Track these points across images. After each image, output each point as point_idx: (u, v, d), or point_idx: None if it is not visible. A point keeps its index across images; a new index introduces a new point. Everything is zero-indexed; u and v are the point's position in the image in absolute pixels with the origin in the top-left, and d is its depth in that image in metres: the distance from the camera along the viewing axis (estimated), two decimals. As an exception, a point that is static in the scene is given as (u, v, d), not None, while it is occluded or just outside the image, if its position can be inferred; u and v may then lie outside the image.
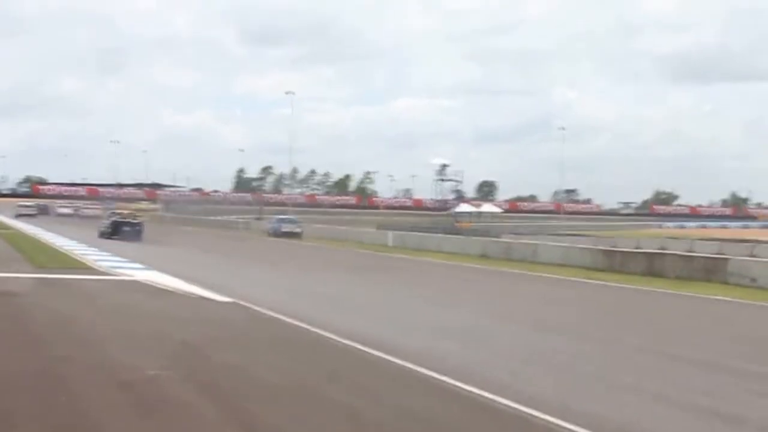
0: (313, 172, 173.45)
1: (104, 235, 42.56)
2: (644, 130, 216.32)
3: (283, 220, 59.55)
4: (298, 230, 56.13)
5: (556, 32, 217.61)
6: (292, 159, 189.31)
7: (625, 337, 14.31)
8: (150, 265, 25.01)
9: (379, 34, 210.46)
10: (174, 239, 46.38)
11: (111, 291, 18.76)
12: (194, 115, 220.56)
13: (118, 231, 42.08)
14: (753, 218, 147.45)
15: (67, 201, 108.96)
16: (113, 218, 44.51)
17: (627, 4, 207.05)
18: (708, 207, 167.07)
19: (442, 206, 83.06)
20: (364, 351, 11.74)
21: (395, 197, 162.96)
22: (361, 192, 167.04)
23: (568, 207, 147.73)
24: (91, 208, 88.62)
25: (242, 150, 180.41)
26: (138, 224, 43.50)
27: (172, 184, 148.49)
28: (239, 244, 46.78)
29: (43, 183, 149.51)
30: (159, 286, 19.62)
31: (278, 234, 55.21)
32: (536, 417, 8.25)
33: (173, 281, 20.50)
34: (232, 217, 79.40)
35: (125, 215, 45.23)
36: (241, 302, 16.87)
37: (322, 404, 8.60)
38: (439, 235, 48.12)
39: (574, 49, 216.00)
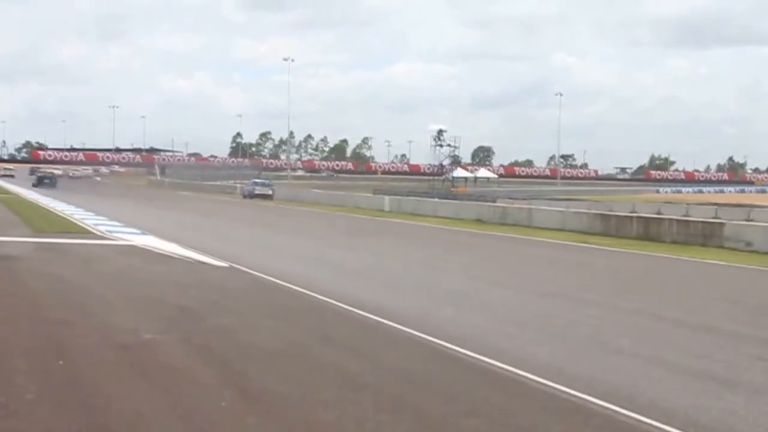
0: (309, 137, 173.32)
1: (34, 185, 66.78)
2: (641, 96, 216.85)
3: (256, 183, 64.74)
4: (269, 192, 61.45)
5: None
6: (290, 124, 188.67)
7: (621, 301, 14.35)
8: (146, 230, 25.00)
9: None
10: (170, 203, 46.39)
11: (108, 255, 18.74)
12: (193, 80, 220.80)
13: (40, 183, 68.12)
14: (750, 183, 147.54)
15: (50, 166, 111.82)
16: (38, 174, 74.02)
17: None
18: (705, 173, 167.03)
19: (439, 171, 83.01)
20: (361, 314, 11.77)
21: (392, 162, 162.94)
22: (359, 157, 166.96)
23: (564, 172, 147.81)
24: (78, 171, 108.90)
25: (240, 115, 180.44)
26: (53, 178, 71.59)
27: (169, 149, 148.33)
28: (238, 210, 46.75)
29: (43, 148, 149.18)
30: (156, 250, 19.63)
31: (252, 195, 60.81)
32: (533, 380, 8.28)
33: (170, 246, 20.50)
34: (230, 182, 79.47)
35: (46, 173, 75.09)
36: (239, 266, 16.88)
37: (317, 367, 8.62)
38: (435, 199, 48.13)
39: (573, 15, 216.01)
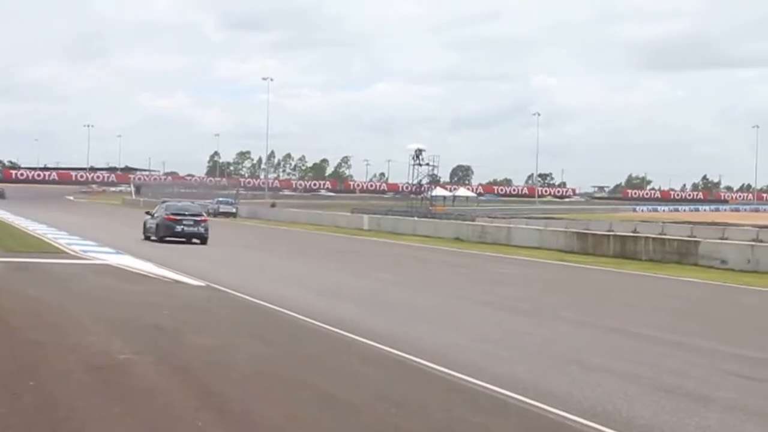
0: (289, 156, 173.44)
1: None
2: (619, 117, 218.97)
3: (221, 202, 68.26)
4: (233, 210, 65.13)
5: (535, 21, 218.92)
6: (270, 144, 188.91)
7: (597, 319, 14.39)
8: (121, 249, 24.85)
9: (359, 21, 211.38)
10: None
11: (83, 275, 18.60)
12: (172, 100, 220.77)
13: None
14: (724, 202, 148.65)
15: None
16: None
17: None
18: (680, 192, 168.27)
19: (417, 190, 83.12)
20: (340, 333, 11.72)
21: (371, 181, 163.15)
22: (337, 176, 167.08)
23: (542, 191, 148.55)
24: None
25: (217, 134, 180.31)
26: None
27: (145, 167, 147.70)
28: (216, 229, 46.44)
29: (15, 167, 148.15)
30: (131, 269, 19.50)
31: (217, 213, 62.50)
32: (511, 397, 8.27)
33: (145, 265, 20.38)
34: (206, 201, 79.34)
35: None
36: (216, 286, 16.79)
37: (296, 387, 8.55)
38: (414, 218, 48.19)
39: (553, 37, 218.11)
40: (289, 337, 11.64)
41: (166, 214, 30.76)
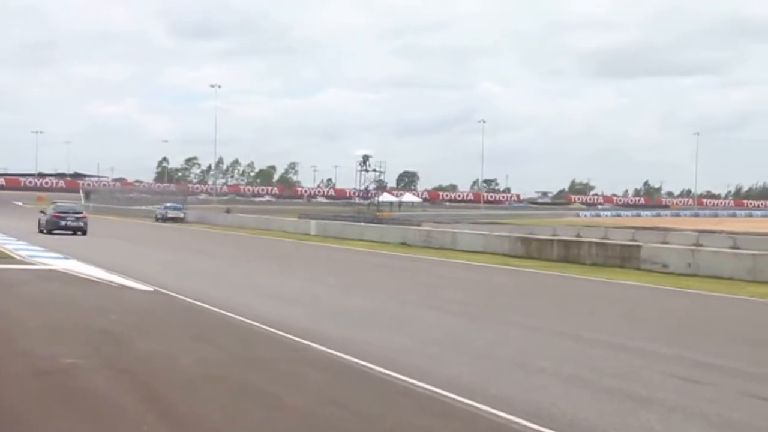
0: (237, 162, 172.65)
1: None
2: (564, 123, 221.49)
3: (168, 207, 68.02)
4: (181, 215, 65.38)
5: (484, 29, 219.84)
6: (218, 150, 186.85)
7: (542, 322, 14.59)
8: (68, 254, 24.58)
9: (308, 29, 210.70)
10: (93, 229, 45.56)
11: (29, 280, 18.38)
12: (121, 107, 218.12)
13: None
14: (665, 207, 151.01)
15: None
16: None
17: (553, 4, 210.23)
18: (622, 197, 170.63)
19: (364, 196, 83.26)
20: (286, 337, 11.75)
21: (318, 187, 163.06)
22: (285, 182, 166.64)
23: (487, 196, 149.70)
24: None
25: (166, 141, 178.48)
26: None
27: (94, 174, 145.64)
28: (164, 234, 46.18)
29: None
30: (78, 274, 19.32)
31: (165, 219, 63.68)
32: (456, 401, 8.37)
33: (92, 270, 20.19)
34: (154, 207, 78.73)
35: None
36: (163, 290, 16.72)
37: (244, 392, 8.58)
38: (361, 223, 48.29)
39: (500, 45, 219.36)
40: (237, 341, 11.64)
41: (54, 213, 39.28)
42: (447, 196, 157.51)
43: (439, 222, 59.03)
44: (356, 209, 78.23)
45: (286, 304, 16.38)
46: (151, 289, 17.01)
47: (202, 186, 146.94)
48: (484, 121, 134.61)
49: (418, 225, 49.28)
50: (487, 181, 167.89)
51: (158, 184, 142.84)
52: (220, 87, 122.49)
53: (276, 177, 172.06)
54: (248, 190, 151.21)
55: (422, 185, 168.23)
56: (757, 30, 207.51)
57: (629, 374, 10.13)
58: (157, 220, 65.24)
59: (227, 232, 48.88)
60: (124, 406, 7.80)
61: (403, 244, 37.48)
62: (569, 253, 28.68)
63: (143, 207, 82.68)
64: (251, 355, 10.62)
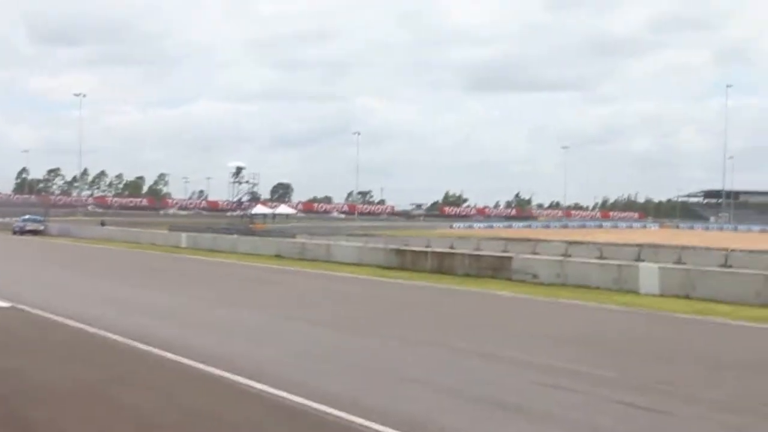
0: (104, 173, 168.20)
1: None
2: (438, 136, 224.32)
3: (27, 220, 65.24)
4: (41, 228, 62.79)
5: (361, 42, 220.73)
6: (84, 161, 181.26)
7: (416, 333, 14.62)
8: None
9: (182, 39, 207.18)
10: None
11: None
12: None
13: None
14: (535, 218, 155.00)
15: None
16: None
17: (429, 19, 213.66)
18: (494, 209, 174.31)
19: (238, 207, 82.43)
20: (153, 352, 11.43)
21: (190, 199, 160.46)
22: (155, 194, 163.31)
23: (362, 208, 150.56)
24: None
25: (26, 151, 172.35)
26: None
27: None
28: (22, 247, 44.51)
29: None
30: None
31: (23, 231, 61.20)
32: (329, 413, 8.27)
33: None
34: (13, 219, 75.90)
35: None
36: (22, 306, 16.04)
37: (108, 407, 8.31)
38: (234, 236, 47.65)
39: (378, 59, 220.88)
40: (100, 357, 11.24)
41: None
42: (322, 207, 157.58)
43: (314, 234, 58.84)
44: (229, 221, 77.26)
45: (153, 317, 15.92)
46: (8, 305, 16.29)
47: (66, 198, 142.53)
48: (358, 133, 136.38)
49: (293, 237, 49.01)
50: (362, 193, 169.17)
51: (17, 196, 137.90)
52: (85, 96, 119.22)
53: (145, 189, 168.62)
54: (116, 202, 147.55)
55: (297, 197, 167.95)
56: (620, 48, 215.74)
57: (501, 383, 10.21)
58: (14, 233, 62.17)
59: (94, 246, 47.45)
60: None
61: (278, 256, 37.16)
62: (443, 264, 28.94)
63: (1, 219, 79.14)
64: (114, 369, 10.26)
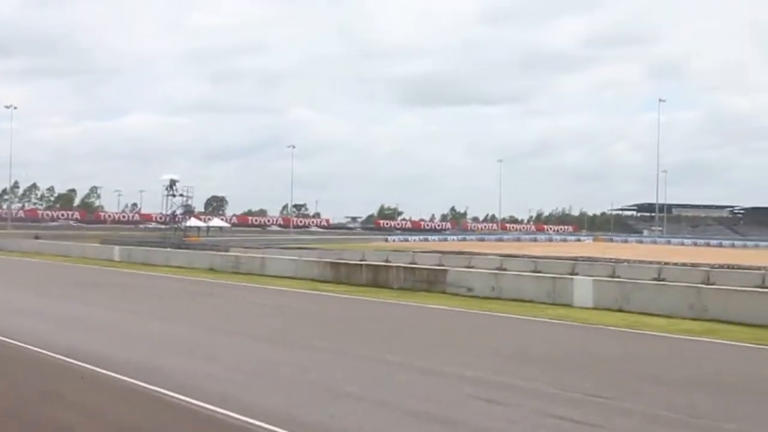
0: (35, 186, 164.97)
1: None
2: (374, 149, 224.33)
3: None
4: None
5: (296, 55, 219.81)
6: (14, 173, 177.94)
7: (350, 347, 14.56)
8: None
9: (113, 51, 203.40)
10: None
11: None
12: None
13: None
14: (471, 232, 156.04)
15: None
16: None
17: (364, 32, 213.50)
18: (430, 222, 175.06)
19: (171, 220, 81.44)
20: (84, 367, 11.20)
21: (123, 212, 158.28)
22: (87, 207, 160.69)
23: (297, 221, 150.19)
24: None
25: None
26: None
27: None
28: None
29: None
30: None
31: None
32: (264, 428, 8.18)
33: None
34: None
35: None
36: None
37: (37, 423, 8.10)
38: (167, 249, 47.06)
39: (313, 71, 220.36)
40: (27, 371, 10.99)
41: None
42: (257, 221, 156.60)
43: (249, 247, 58.36)
44: (162, 234, 76.27)
45: (81, 331, 15.64)
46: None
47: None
48: (293, 146, 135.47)
49: (227, 250, 48.55)
50: (297, 206, 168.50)
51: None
52: (16, 108, 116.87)
53: (77, 201, 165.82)
54: (47, 215, 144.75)
55: (232, 210, 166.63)
56: (554, 62, 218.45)
57: (436, 397, 10.20)
58: None
59: (22, 259, 46.48)
60: None
61: (212, 269, 36.79)
62: (378, 277, 28.93)
63: None
64: (42, 384, 10.06)
